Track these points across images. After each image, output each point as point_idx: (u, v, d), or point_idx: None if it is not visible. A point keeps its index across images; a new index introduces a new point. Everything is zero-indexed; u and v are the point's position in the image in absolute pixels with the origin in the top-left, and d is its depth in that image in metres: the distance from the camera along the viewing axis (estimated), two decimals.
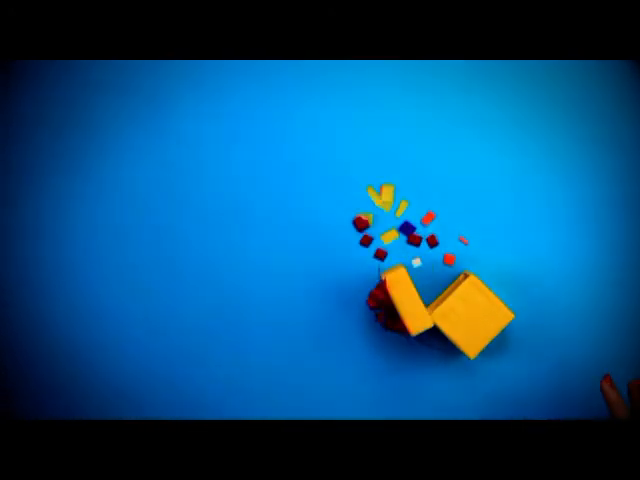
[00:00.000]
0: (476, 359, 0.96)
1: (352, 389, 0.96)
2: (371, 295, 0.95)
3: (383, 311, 0.95)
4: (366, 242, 0.96)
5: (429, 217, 0.96)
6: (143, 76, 0.96)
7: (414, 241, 0.97)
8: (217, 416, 0.97)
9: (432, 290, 0.97)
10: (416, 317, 0.90)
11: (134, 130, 0.96)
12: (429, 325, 0.90)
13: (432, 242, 0.97)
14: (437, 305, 0.92)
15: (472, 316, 0.91)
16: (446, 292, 0.95)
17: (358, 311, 0.97)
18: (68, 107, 0.96)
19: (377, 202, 0.94)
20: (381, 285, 0.93)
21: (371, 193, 0.94)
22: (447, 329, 0.91)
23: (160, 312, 0.97)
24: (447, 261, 0.96)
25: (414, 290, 0.90)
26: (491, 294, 0.91)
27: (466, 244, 0.96)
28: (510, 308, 0.95)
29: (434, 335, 0.97)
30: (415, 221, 0.96)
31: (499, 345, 0.96)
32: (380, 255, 0.97)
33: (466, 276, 0.93)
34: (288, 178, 0.96)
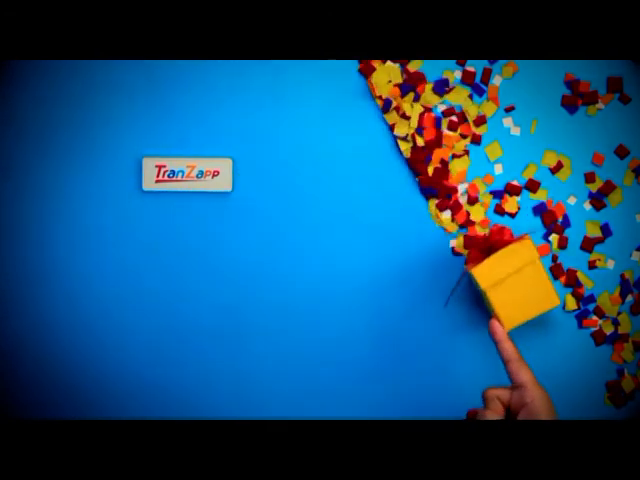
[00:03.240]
0: (476, 359, 0.96)
1: (352, 389, 0.97)
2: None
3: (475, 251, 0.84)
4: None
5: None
6: (143, 76, 0.96)
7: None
8: (216, 416, 0.97)
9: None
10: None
11: (134, 130, 0.96)
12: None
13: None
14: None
15: (517, 283, 0.79)
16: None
17: (359, 312, 0.97)
18: (67, 107, 0.96)
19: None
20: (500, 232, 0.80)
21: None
22: (490, 293, 0.79)
23: (161, 311, 0.97)
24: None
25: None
26: (543, 269, 0.79)
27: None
28: (558, 294, 0.81)
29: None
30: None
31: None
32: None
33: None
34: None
